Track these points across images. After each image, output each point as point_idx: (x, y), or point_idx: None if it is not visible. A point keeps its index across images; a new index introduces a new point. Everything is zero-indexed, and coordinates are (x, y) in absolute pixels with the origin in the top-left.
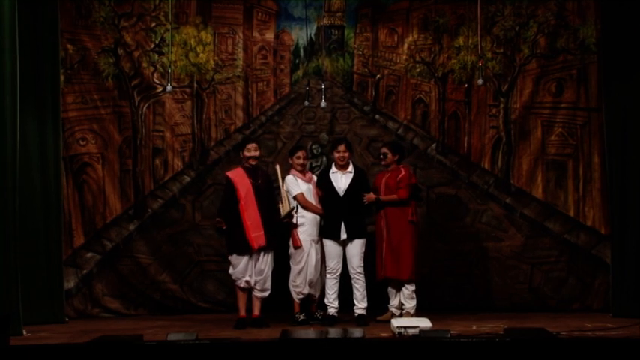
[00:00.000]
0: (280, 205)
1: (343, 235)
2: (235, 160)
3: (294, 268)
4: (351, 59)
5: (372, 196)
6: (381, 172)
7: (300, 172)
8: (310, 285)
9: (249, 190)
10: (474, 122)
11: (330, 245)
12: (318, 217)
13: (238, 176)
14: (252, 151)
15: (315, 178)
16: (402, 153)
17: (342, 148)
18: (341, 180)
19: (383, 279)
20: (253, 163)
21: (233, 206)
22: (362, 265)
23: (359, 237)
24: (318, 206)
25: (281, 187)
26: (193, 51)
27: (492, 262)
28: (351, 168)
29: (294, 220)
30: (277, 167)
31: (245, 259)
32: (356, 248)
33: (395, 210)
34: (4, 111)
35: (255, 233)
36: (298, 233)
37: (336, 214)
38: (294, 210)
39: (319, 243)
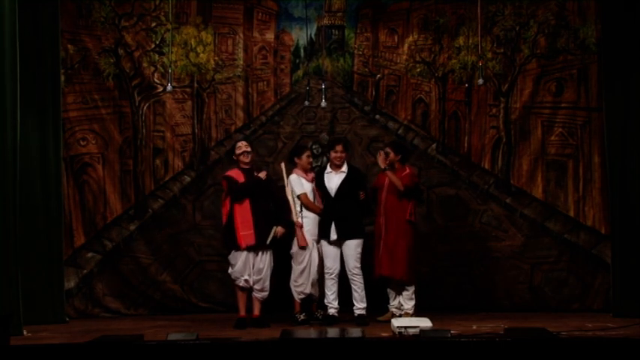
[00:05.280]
0: (292, 205)
1: (333, 236)
2: (235, 162)
3: (297, 268)
4: (352, 59)
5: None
6: (384, 172)
7: (306, 171)
8: (313, 285)
9: None
10: (475, 122)
11: (325, 246)
12: (319, 217)
13: (235, 175)
14: (242, 147)
15: None
16: (404, 153)
17: (339, 147)
18: (333, 180)
19: (379, 277)
20: (246, 160)
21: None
22: (358, 266)
23: (352, 237)
24: (320, 206)
25: (286, 186)
26: (194, 51)
27: (493, 262)
28: (344, 168)
29: (299, 220)
30: (282, 165)
31: (243, 258)
32: (350, 250)
33: (395, 209)
34: (5, 111)
35: (245, 232)
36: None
37: (327, 215)
38: (275, 232)
39: (320, 243)
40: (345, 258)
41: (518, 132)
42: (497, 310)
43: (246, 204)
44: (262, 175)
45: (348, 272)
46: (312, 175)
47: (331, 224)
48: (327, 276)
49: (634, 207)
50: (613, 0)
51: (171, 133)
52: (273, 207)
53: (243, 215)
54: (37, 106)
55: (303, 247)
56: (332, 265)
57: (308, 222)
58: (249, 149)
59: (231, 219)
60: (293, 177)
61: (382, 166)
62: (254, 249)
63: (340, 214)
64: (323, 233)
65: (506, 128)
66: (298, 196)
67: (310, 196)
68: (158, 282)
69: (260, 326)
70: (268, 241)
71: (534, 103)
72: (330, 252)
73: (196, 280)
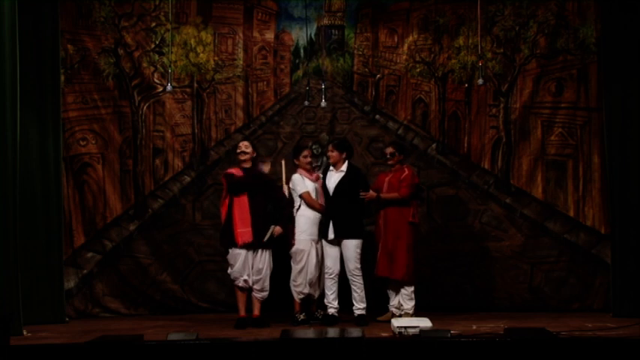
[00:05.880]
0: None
1: (331, 235)
2: (235, 161)
3: (295, 268)
4: (352, 59)
5: (372, 193)
6: (384, 172)
7: (307, 171)
8: (310, 284)
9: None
10: (474, 122)
11: (326, 245)
12: (319, 217)
13: (234, 172)
14: (242, 147)
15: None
16: (406, 153)
17: (329, 148)
18: (332, 179)
19: (379, 277)
20: (242, 158)
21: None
22: (358, 267)
23: (349, 237)
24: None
25: (284, 183)
26: (193, 51)
27: (492, 262)
28: (344, 167)
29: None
30: (283, 162)
31: (242, 258)
32: (350, 251)
33: (394, 210)
34: (5, 111)
35: (242, 229)
36: (297, 233)
37: (326, 213)
38: (273, 232)
39: (320, 243)
40: (344, 260)
41: (518, 132)
42: (497, 310)
43: (245, 202)
44: (265, 167)
45: (348, 273)
46: (316, 174)
47: (329, 223)
48: (326, 276)
49: (634, 207)
50: (613, 0)
51: (171, 133)
52: (271, 206)
53: (242, 213)
54: (36, 105)
55: (293, 246)
56: (332, 265)
57: (306, 221)
58: (248, 150)
59: (230, 216)
60: (296, 176)
61: (370, 196)
62: (252, 248)
63: (337, 213)
64: (322, 232)
65: (506, 128)
66: (301, 195)
67: (313, 195)
68: (158, 282)
69: (260, 326)
70: (265, 239)
71: (534, 103)
72: (331, 252)
73: (196, 280)
